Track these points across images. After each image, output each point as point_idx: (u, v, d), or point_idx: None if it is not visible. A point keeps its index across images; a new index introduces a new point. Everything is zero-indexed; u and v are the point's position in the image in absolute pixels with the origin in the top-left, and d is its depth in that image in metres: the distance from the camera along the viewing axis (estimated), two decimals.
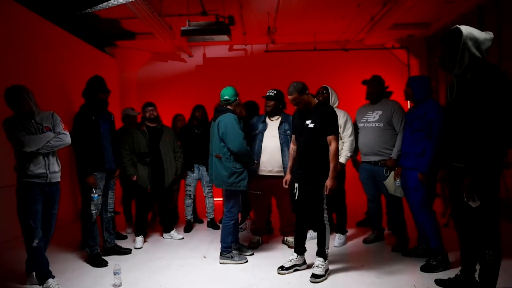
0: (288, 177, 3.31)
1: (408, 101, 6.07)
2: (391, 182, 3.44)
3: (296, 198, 3.12)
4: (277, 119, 3.77)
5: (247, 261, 3.41)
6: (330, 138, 2.95)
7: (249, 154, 3.41)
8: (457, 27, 2.31)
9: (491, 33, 2.30)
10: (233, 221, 3.44)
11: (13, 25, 4.11)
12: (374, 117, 3.65)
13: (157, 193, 4.16)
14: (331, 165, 2.93)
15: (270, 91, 3.75)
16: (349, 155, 3.72)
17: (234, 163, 3.33)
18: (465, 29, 2.27)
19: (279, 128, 3.71)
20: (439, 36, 6.35)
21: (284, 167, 3.65)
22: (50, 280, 2.87)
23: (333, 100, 3.80)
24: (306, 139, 3.06)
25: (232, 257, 3.40)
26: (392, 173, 3.46)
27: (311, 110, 3.07)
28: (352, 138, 3.73)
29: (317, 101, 3.16)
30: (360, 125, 3.76)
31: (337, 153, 2.96)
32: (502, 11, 4.85)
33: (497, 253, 2.34)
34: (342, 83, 6.73)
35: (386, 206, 3.77)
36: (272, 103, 3.72)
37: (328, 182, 2.92)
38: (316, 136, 2.99)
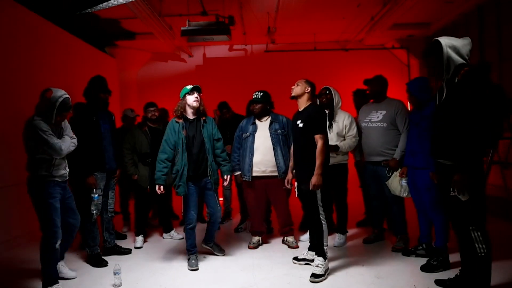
0: (289, 176, 3.42)
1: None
2: (394, 183, 3.44)
3: (296, 195, 3.24)
4: (266, 120, 3.78)
5: (196, 269, 3.27)
6: (317, 137, 3.00)
7: (158, 163, 3.30)
8: (436, 39, 2.51)
9: (468, 38, 2.50)
10: (189, 226, 3.35)
11: (14, 25, 4.11)
12: (378, 117, 3.63)
13: (157, 193, 4.14)
14: (317, 162, 2.97)
15: (257, 93, 3.76)
16: (346, 146, 3.67)
17: (173, 167, 3.37)
18: (443, 40, 2.46)
19: (269, 128, 3.73)
20: (439, 36, 6.35)
21: (278, 167, 3.67)
22: (56, 285, 2.87)
23: (337, 101, 3.78)
24: (297, 139, 3.19)
25: (188, 259, 3.36)
26: (395, 173, 3.46)
27: (302, 111, 3.17)
28: (356, 138, 3.72)
29: (309, 102, 3.18)
30: (363, 125, 3.74)
31: (323, 151, 2.98)
32: (502, 11, 4.86)
33: (487, 246, 2.39)
34: (342, 83, 6.72)
35: (388, 206, 3.76)
36: (259, 105, 3.74)
37: (313, 178, 2.96)
38: (305, 135, 3.06)
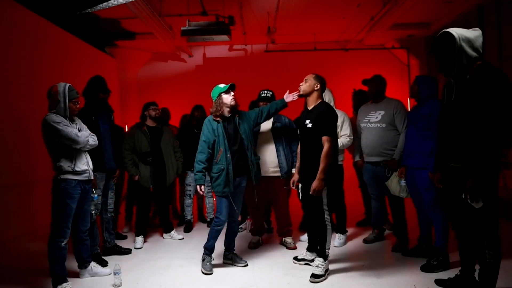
0: (295, 177, 3.31)
1: (409, 101, 6.09)
2: (394, 183, 3.44)
3: (299, 198, 3.19)
4: (269, 120, 3.76)
5: (211, 273, 3.18)
6: (324, 138, 2.91)
7: (197, 164, 3.14)
8: (446, 31, 2.33)
9: (478, 29, 2.33)
10: (217, 227, 3.25)
11: (13, 25, 4.11)
12: (377, 117, 3.63)
13: (159, 192, 4.16)
14: (320, 166, 2.87)
15: (266, 92, 3.75)
16: (345, 142, 3.68)
17: (213, 167, 3.21)
18: (456, 32, 2.29)
19: (272, 128, 3.71)
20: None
21: (280, 167, 3.66)
22: (65, 284, 2.87)
23: (328, 100, 3.76)
24: (305, 139, 3.09)
25: (203, 260, 3.27)
26: (394, 174, 3.46)
27: (311, 110, 3.06)
28: (350, 137, 3.72)
29: (320, 100, 3.08)
30: (362, 125, 3.73)
31: (328, 155, 2.89)
32: (502, 11, 4.86)
33: (497, 253, 2.34)
34: (342, 83, 6.73)
35: (390, 207, 3.76)
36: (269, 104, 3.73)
37: (314, 183, 2.88)
38: (313, 136, 2.97)
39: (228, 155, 3.17)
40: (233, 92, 3.26)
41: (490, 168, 2.25)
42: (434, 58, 2.47)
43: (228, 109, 3.23)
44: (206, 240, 3.31)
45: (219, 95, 3.21)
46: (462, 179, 2.33)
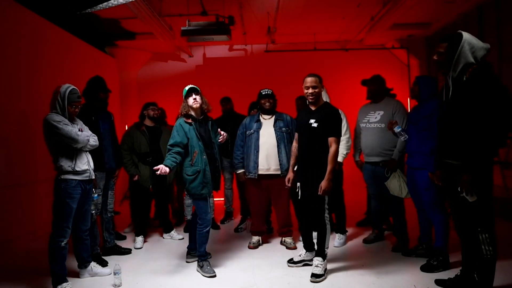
0: (290, 175, 3.29)
1: (409, 101, 6.09)
2: (393, 184, 3.44)
3: (298, 197, 3.18)
4: (271, 118, 3.78)
5: (214, 276, 3.12)
6: (331, 139, 2.96)
7: (168, 153, 3.10)
8: (460, 32, 2.44)
9: (488, 44, 2.46)
10: (206, 229, 3.20)
11: (14, 25, 4.11)
12: (376, 118, 3.64)
13: (159, 192, 4.16)
14: (328, 167, 2.92)
15: (266, 90, 3.78)
16: (345, 153, 3.72)
17: (186, 169, 3.16)
18: (466, 34, 2.42)
19: (274, 125, 3.72)
20: (439, 36, 6.35)
21: (281, 165, 3.66)
22: (65, 284, 2.87)
23: (325, 100, 3.75)
24: (308, 139, 3.08)
25: (201, 267, 3.19)
26: (394, 174, 3.46)
27: (316, 110, 3.09)
28: (347, 136, 3.73)
29: (324, 101, 3.14)
30: (362, 125, 3.74)
31: (336, 155, 2.95)
32: (502, 11, 4.86)
33: (493, 248, 2.37)
34: (342, 83, 6.75)
35: (387, 207, 3.75)
36: (272, 100, 3.75)
37: (323, 184, 2.91)
38: (318, 137, 3.00)
39: (204, 156, 3.15)
40: (197, 95, 3.19)
41: (483, 165, 2.36)
42: (436, 49, 2.51)
43: (194, 111, 3.22)
44: None
45: (185, 97, 3.22)
46: (459, 175, 2.40)
